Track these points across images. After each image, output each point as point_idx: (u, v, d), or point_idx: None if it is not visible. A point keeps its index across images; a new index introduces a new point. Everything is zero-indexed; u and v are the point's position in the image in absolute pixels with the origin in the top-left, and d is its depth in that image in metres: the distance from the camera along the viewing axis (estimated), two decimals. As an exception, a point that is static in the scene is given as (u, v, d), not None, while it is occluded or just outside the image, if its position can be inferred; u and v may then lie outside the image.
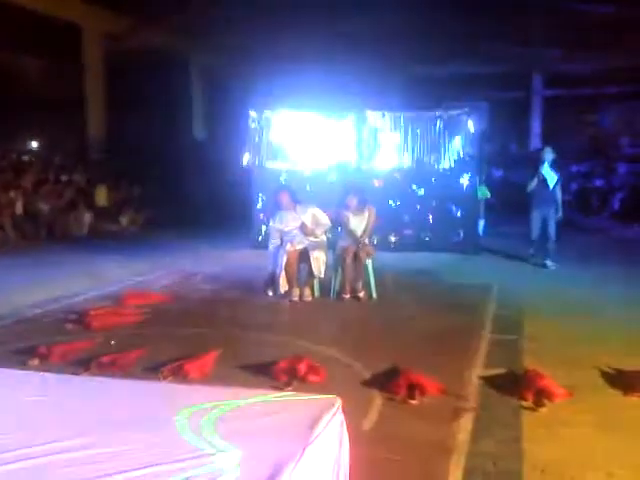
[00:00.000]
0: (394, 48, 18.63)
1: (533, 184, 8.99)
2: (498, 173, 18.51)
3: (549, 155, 8.95)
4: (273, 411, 2.42)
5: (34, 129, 17.42)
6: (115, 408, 2.49)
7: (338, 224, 7.39)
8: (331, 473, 2.35)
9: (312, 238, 7.14)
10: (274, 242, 7.24)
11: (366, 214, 7.22)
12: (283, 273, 7.03)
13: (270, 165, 11.11)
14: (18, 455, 2.05)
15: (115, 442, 2.15)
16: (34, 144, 18.35)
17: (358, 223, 7.19)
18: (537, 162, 9.10)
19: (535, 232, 9.11)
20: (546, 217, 9.00)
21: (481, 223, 12.20)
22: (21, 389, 2.69)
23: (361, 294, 7.04)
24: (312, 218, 7.16)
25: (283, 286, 7.06)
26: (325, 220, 7.19)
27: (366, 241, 7.20)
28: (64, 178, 14.33)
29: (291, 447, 2.09)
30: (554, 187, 8.93)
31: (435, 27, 16.73)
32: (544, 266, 8.94)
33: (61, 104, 16.75)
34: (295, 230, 7.13)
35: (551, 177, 8.87)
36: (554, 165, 8.95)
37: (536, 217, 9.07)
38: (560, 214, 9.08)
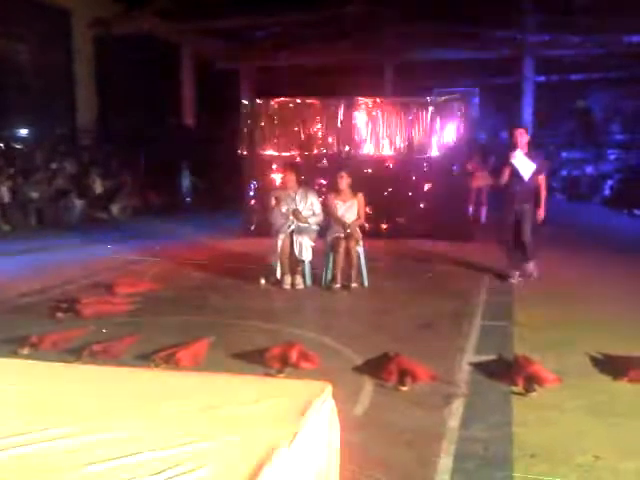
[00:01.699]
0: (385, 33, 18.58)
1: (504, 177, 7.09)
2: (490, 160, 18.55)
3: (522, 138, 7.10)
4: (264, 397, 2.43)
5: (23, 115, 17.26)
6: (107, 396, 2.49)
7: (327, 212, 7.37)
8: (322, 459, 2.36)
9: (302, 224, 7.15)
10: (276, 223, 7.24)
11: (355, 201, 7.22)
12: (279, 260, 7.05)
13: (262, 153, 11.09)
14: (11, 443, 2.05)
15: (107, 429, 2.15)
16: (23, 131, 18.19)
17: (347, 210, 7.19)
18: (507, 149, 7.30)
19: (507, 236, 7.32)
20: (520, 216, 7.14)
21: (483, 210, 12.29)
22: (12, 377, 2.69)
23: (353, 283, 7.04)
24: (309, 206, 7.19)
25: (277, 273, 7.08)
26: (319, 211, 7.21)
27: (353, 231, 7.17)
28: (54, 165, 14.24)
29: (282, 433, 2.10)
30: (532, 178, 7.06)
31: (426, 11, 16.68)
32: (508, 278, 7.23)
33: (51, 90, 16.62)
34: (290, 213, 7.17)
35: (525, 166, 7.01)
36: (532, 150, 7.22)
37: (508, 217, 7.24)
38: (541, 213, 7.19)
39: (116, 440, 2.08)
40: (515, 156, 7.02)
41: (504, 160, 7.18)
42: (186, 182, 17.20)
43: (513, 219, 7.19)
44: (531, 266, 7.33)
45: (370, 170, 10.66)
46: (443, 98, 10.93)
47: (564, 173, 19.29)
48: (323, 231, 7.34)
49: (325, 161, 10.74)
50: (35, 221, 12.57)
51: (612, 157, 18.91)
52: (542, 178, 7.16)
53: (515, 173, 7.04)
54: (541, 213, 7.17)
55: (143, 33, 17.67)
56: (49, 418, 2.24)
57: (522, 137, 7.11)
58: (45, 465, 1.93)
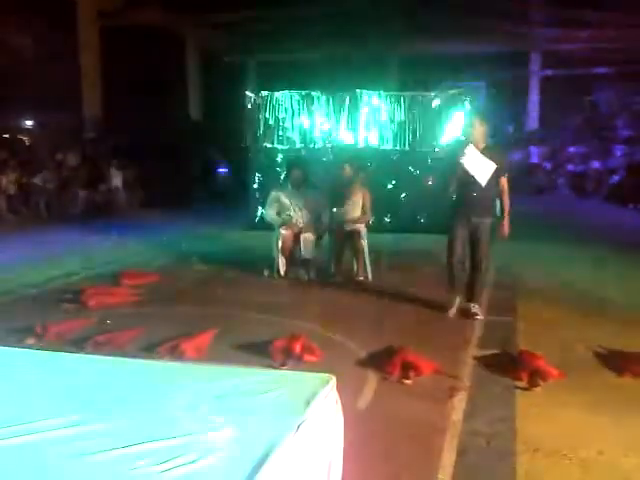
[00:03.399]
0: (390, 26, 18.53)
1: (452, 186, 5.52)
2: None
3: (477, 131, 5.43)
4: (268, 389, 2.44)
5: (28, 106, 17.29)
6: (112, 385, 2.50)
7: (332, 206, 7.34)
8: (326, 450, 2.37)
9: (306, 219, 7.15)
10: (270, 213, 7.25)
11: (360, 196, 7.19)
12: (280, 253, 7.07)
13: (267, 145, 11.09)
14: (13, 431, 2.06)
15: (110, 419, 2.16)
16: (28, 122, 18.22)
17: (351, 205, 7.16)
18: (458, 147, 5.70)
19: (451, 257, 5.60)
20: (475, 233, 5.47)
21: (497, 203, 12.21)
22: (17, 366, 2.70)
23: (359, 276, 7.03)
24: (314, 203, 7.19)
25: (280, 266, 7.10)
26: (323, 209, 7.18)
27: (358, 226, 7.16)
28: (59, 157, 14.27)
29: (285, 424, 2.11)
30: (492, 182, 5.40)
31: (432, 4, 16.61)
32: (447, 310, 5.66)
33: (56, 81, 16.63)
34: (293, 207, 7.15)
35: (481, 167, 5.34)
36: (490, 146, 5.59)
37: (458, 235, 5.53)
38: (506, 227, 5.57)
39: (121, 429, 2.09)
40: (466, 154, 5.33)
41: (453, 161, 5.51)
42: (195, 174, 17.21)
43: (464, 237, 5.52)
44: (477, 307, 5.59)
45: (374, 164, 10.63)
46: (448, 92, 10.89)
47: (570, 168, 19.21)
48: (329, 225, 7.33)
49: (330, 154, 10.72)
50: (40, 212, 12.60)
51: (619, 152, 18.79)
52: (505, 180, 5.52)
53: (467, 178, 5.38)
54: (506, 227, 5.56)
55: (149, 26, 17.65)
56: (55, 407, 2.25)
57: (476, 130, 5.44)
58: (51, 453, 1.94)
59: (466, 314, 5.57)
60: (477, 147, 5.38)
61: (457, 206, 5.58)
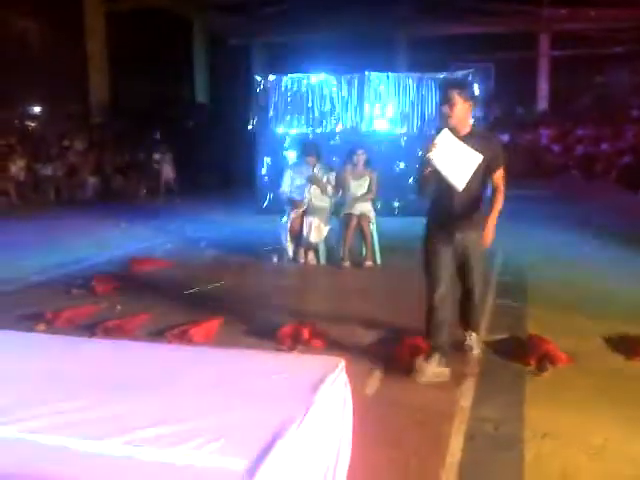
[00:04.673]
0: (398, 6, 18.37)
1: (427, 183, 3.85)
2: (504, 137, 18.27)
3: (456, 109, 3.74)
4: (277, 372, 2.44)
5: (35, 93, 17.29)
6: (120, 370, 2.51)
7: (340, 188, 7.31)
8: (335, 433, 2.37)
9: (315, 201, 7.12)
10: (286, 190, 7.26)
11: (367, 178, 7.15)
12: (289, 238, 7.08)
13: (275, 129, 11.05)
14: (23, 416, 2.07)
15: (119, 403, 2.17)
16: (36, 109, 18.23)
17: (358, 187, 7.13)
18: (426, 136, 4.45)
19: (440, 287, 3.89)
20: (460, 252, 3.95)
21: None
22: (27, 351, 2.72)
23: (367, 261, 7.02)
24: (325, 181, 7.17)
25: (289, 251, 7.11)
26: (333, 189, 7.15)
27: (366, 210, 7.12)
28: (66, 143, 14.28)
29: (295, 407, 2.11)
30: (476, 184, 3.79)
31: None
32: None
33: (63, 67, 16.61)
34: (304, 185, 7.15)
35: (458, 165, 3.68)
36: (479, 132, 4.09)
37: (439, 255, 3.91)
38: (488, 235, 3.85)
39: (132, 413, 2.10)
40: (436, 146, 3.65)
41: (423, 153, 3.75)
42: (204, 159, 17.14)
43: (447, 260, 3.94)
44: (474, 339, 4.29)
45: (382, 147, 10.58)
46: (457, 73, 10.81)
47: (580, 150, 19.06)
48: (337, 209, 7.31)
49: (337, 138, 10.68)
50: (49, 198, 12.64)
51: (629, 134, 18.60)
52: (499, 176, 3.90)
53: (439, 178, 3.76)
54: (488, 235, 3.86)
55: (156, 9, 17.56)
56: (63, 391, 2.26)
57: (458, 108, 3.75)
58: (59, 437, 1.95)
59: (460, 346, 4.25)
60: (457, 133, 3.77)
61: (432, 217, 4.03)
